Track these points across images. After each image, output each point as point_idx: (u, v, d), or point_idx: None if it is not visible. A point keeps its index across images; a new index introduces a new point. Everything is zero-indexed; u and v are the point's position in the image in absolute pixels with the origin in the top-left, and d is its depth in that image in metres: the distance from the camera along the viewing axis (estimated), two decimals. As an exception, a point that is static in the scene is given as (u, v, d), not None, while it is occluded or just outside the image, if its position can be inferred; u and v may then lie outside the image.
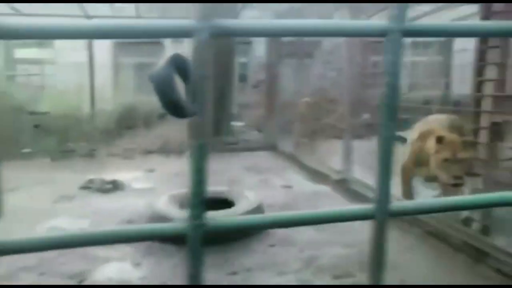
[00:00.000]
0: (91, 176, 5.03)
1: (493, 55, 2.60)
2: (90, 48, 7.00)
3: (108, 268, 2.72)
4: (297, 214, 0.45)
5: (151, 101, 8.73)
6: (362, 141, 5.16)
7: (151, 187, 4.86)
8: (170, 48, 11.09)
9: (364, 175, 4.58)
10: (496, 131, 2.63)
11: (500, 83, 2.59)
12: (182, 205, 3.49)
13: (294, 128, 6.89)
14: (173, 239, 3.03)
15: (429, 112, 7.54)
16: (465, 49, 5.54)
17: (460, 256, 2.82)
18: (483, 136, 2.68)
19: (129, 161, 6.63)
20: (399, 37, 0.40)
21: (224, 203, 3.53)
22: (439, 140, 2.85)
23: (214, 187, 4.34)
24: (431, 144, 3.01)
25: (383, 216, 0.43)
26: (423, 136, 3.27)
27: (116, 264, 2.78)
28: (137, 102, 8.89)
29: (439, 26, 0.44)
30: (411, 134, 3.72)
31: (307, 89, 8.40)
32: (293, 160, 6.49)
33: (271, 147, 7.68)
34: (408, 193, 3.52)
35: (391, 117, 0.41)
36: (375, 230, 0.42)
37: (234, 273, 2.64)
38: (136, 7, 7.37)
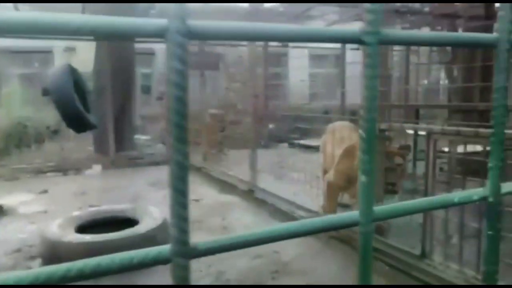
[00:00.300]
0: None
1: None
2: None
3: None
4: (282, 227, 0.42)
5: (43, 116, 7.98)
6: (269, 150, 5.30)
7: (44, 210, 4.39)
8: (61, 57, 10.29)
9: (271, 184, 4.69)
10: (384, 137, 2.87)
11: (384, 93, 2.85)
12: (80, 228, 3.19)
13: (201, 140, 6.82)
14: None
15: (329, 121, 8.05)
16: (356, 62, 6.03)
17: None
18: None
19: (17, 182, 5.93)
20: (374, 45, 0.39)
21: (126, 221, 3.31)
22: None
23: (116, 204, 4.07)
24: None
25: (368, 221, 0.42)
26: (348, 153, 3.20)
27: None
28: (26, 117, 8.06)
29: (412, 34, 0.46)
30: (322, 142, 3.85)
31: (213, 101, 8.41)
32: (201, 172, 6.40)
33: (179, 160, 7.50)
34: (334, 209, 3.51)
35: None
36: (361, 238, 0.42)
37: None
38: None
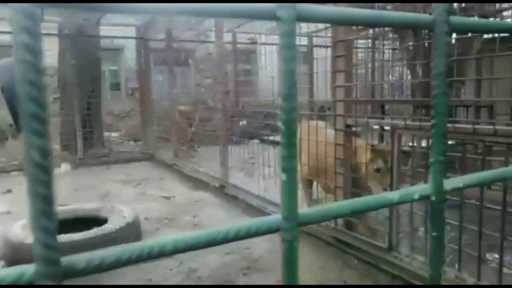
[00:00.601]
0: None
1: (340, 64, 2.91)
2: None
3: None
4: (193, 236, 0.36)
5: (5, 113, 7.68)
6: (240, 147, 5.30)
7: (7, 211, 4.24)
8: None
9: (242, 180, 4.71)
10: (350, 132, 2.94)
11: (348, 89, 2.91)
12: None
13: (171, 137, 6.75)
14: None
15: (299, 117, 8.13)
16: (326, 57, 6.12)
17: (330, 249, 3.07)
18: (340, 138, 2.97)
19: (-21, 183, 5.69)
20: (290, 21, 0.35)
21: (95, 221, 3.26)
22: (373, 150, 2.89)
23: (85, 203, 3.99)
24: (361, 155, 2.95)
25: (292, 226, 0.38)
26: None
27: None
28: (-13, 114, 7.72)
29: (337, 11, 0.40)
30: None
31: (183, 97, 8.34)
32: (172, 169, 6.35)
33: (149, 157, 7.41)
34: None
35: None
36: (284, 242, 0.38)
37: None
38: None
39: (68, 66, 7.14)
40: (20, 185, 5.52)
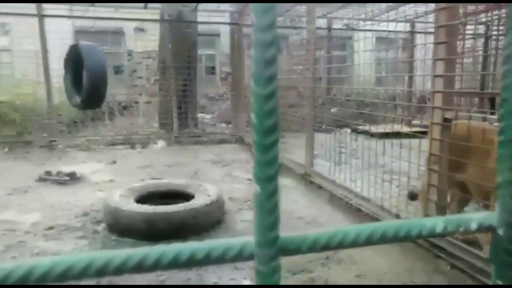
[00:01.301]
0: (49, 168, 4.81)
1: (440, 51, 2.62)
2: (42, 36, 6.63)
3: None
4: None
5: (114, 92, 8.47)
6: (329, 135, 5.16)
7: (111, 180, 4.70)
8: (132, 36, 10.78)
9: (328, 169, 4.60)
10: (448, 127, 2.66)
11: (448, 79, 2.61)
12: (139, 198, 3.38)
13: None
14: (131, 233, 2.93)
15: (395, 108, 7.67)
16: (425, 44, 5.65)
17: (420, 251, 2.86)
18: (436, 132, 2.71)
19: (91, 153, 6.39)
20: None
21: (182, 196, 3.44)
22: None
23: (175, 179, 4.25)
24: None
25: (269, 255, 0.33)
26: None
27: (66, 260, 2.64)
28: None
29: None
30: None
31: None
32: (259, 153, 6.45)
33: (238, 140, 7.62)
34: None
35: None
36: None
37: (189, 269, 2.56)
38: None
39: (167, 50, 7.60)
40: (123, 157, 6.09)
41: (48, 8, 7.01)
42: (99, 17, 7.11)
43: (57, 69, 6.62)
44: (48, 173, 4.57)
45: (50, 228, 3.10)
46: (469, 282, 2.44)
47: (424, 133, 3.64)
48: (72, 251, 2.73)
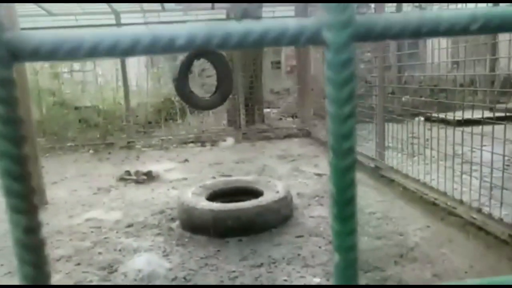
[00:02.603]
0: (128, 168, 5.18)
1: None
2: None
3: (138, 259, 2.78)
4: None
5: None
6: (401, 125, 4.91)
7: (184, 177, 4.93)
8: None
9: (401, 161, 4.39)
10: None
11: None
12: (210, 196, 3.50)
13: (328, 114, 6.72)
14: (203, 230, 3.06)
15: (475, 93, 7.08)
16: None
17: (505, 249, 2.63)
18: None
19: (165, 152, 6.76)
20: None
21: (251, 193, 3.51)
22: None
23: (244, 176, 4.34)
24: None
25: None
26: None
27: (146, 255, 2.83)
28: (172, 93, 9.05)
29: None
30: None
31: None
32: (327, 146, 6.34)
33: (305, 134, 7.57)
34: None
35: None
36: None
37: (260, 266, 2.61)
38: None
39: (234, 48, 7.74)
40: (195, 155, 6.36)
41: (124, 16, 7.52)
42: (170, 21, 7.47)
43: (134, 73, 7.11)
44: (128, 172, 4.92)
45: (130, 225, 3.35)
46: None
47: (510, 118, 3.33)
48: (149, 248, 2.92)
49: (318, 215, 3.43)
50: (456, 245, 2.75)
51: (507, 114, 3.80)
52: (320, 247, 2.83)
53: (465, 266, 2.46)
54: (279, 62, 12.05)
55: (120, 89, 7.63)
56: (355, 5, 0.26)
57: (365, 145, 5.13)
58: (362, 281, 2.36)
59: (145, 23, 8.56)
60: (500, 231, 2.73)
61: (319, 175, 4.75)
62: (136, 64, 9.88)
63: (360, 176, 4.59)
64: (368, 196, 3.90)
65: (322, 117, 7.25)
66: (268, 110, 9.55)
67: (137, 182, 4.74)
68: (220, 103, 5.95)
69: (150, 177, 4.84)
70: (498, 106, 6.65)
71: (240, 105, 7.73)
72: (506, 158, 2.88)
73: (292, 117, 9.45)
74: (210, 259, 2.74)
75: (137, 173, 4.88)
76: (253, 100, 7.92)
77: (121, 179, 4.85)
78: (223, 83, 5.64)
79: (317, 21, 0.27)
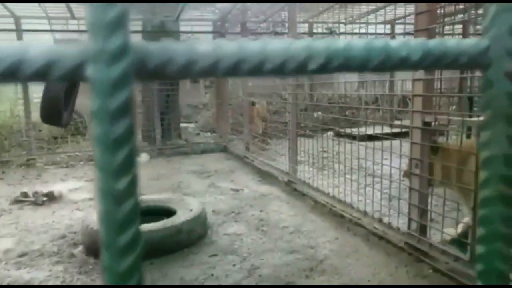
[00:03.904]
0: (26, 189, 4.68)
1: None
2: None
3: (32, 293, 2.49)
4: None
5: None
6: (313, 140, 5.12)
7: (92, 198, 4.58)
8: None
9: (312, 175, 4.56)
10: (428, 131, 2.65)
11: (428, 82, 2.61)
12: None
13: (243, 129, 6.80)
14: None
15: (378, 110, 7.68)
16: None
17: (403, 256, 2.83)
18: (416, 136, 2.69)
19: (71, 170, 6.26)
20: None
21: (164, 212, 3.36)
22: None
23: (157, 194, 4.16)
24: None
25: None
26: None
27: None
28: (80, 106, 8.47)
29: None
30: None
31: (258, 90, 8.35)
32: (243, 161, 6.40)
33: (223, 149, 7.56)
34: None
35: None
36: None
37: (170, 289, 2.49)
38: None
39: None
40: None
41: (27, 22, 6.90)
42: (80, 30, 6.99)
43: (35, 85, 6.50)
44: (24, 194, 4.44)
45: (23, 254, 2.99)
46: (452, 285, 2.41)
47: (406, 133, 3.63)
48: (46, 279, 2.63)
49: (233, 232, 3.40)
50: (361, 254, 2.90)
51: (403, 130, 4.16)
52: (234, 265, 2.79)
53: (369, 275, 2.59)
54: (196, 77, 11.97)
55: (19, 101, 6.92)
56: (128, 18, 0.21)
57: (279, 160, 5.25)
58: (274, 298, 2.37)
59: (51, 30, 7.95)
60: (398, 239, 2.95)
61: (235, 190, 4.74)
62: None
63: (274, 190, 4.68)
64: (282, 210, 3.97)
65: (239, 132, 7.32)
66: (185, 124, 9.39)
67: (36, 204, 4.29)
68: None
69: (51, 198, 4.42)
70: (396, 122, 7.29)
71: (155, 119, 7.48)
72: (402, 171, 3.12)
73: (210, 132, 9.41)
74: None
75: (35, 194, 4.42)
76: (169, 115, 7.73)
77: (16, 201, 4.36)
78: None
79: (77, 50, 0.23)
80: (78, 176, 5.70)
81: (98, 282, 2.59)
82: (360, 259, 2.83)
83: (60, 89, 3.97)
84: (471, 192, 2.40)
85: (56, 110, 3.92)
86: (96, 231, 2.92)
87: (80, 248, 3.07)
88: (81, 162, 6.72)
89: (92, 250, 2.95)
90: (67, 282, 2.60)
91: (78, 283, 2.59)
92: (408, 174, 2.97)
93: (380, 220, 3.19)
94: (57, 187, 4.83)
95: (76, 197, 4.62)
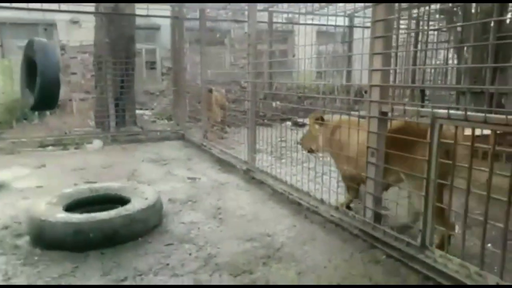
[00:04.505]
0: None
1: (378, 45, 2.66)
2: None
3: (-30, 287, 2.30)
4: None
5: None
6: (271, 129, 5.11)
7: (39, 185, 4.33)
8: (65, 30, 10.10)
9: (270, 164, 4.56)
10: (384, 121, 2.71)
11: (385, 73, 2.66)
12: (69, 206, 3.12)
13: (202, 117, 6.68)
14: (57, 245, 2.69)
15: (334, 101, 7.83)
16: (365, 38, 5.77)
17: (357, 242, 2.89)
18: (373, 125, 2.74)
19: (17, 156, 5.88)
20: None
21: (117, 200, 3.23)
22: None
23: (111, 182, 4.00)
24: None
25: None
26: None
27: (-19, 280, 2.36)
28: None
29: None
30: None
31: (216, 77, 8.23)
32: (201, 150, 6.31)
33: (180, 137, 7.41)
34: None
35: None
36: None
37: (124, 279, 2.39)
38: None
39: (103, 44, 7.18)
40: (55, 159, 5.67)
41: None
42: (27, 8, 6.48)
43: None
44: (-36, 181, 4.12)
45: (-39, 245, 2.77)
46: (403, 270, 2.50)
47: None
48: (-14, 271, 2.45)
49: (189, 221, 3.34)
50: (318, 242, 2.94)
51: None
52: (190, 254, 2.73)
53: (325, 262, 2.63)
54: (154, 63, 11.61)
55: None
56: None
57: (237, 148, 5.22)
58: (232, 284, 2.34)
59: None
60: (353, 226, 3.01)
61: (192, 178, 4.66)
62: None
63: (232, 179, 4.65)
64: (240, 198, 3.95)
65: (197, 120, 7.19)
66: (141, 111, 9.10)
67: (-23, 192, 3.99)
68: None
69: (-6, 186, 4.13)
70: (353, 113, 7.45)
71: (109, 105, 7.18)
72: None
73: (167, 119, 9.19)
74: (65, 278, 2.41)
75: (-24, 181, 4.11)
76: (124, 100, 7.44)
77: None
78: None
79: None
80: (25, 163, 5.36)
81: (44, 274, 2.45)
82: (316, 246, 2.87)
83: (58, 72, 3.73)
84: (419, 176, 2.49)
85: (57, 91, 3.69)
86: (42, 221, 2.75)
87: (26, 239, 2.89)
88: (29, 149, 6.33)
89: (38, 241, 2.78)
90: (9, 275, 2.43)
91: (22, 276, 2.43)
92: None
93: (336, 208, 3.25)
94: (1, 175, 4.51)
95: (22, 185, 4.34)
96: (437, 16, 6.15)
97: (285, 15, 9.74)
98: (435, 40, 6.01)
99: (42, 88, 3.60)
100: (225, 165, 5.28)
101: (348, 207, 3.39)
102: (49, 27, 10.09)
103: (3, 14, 8.35)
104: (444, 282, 2.27)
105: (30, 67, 3.81)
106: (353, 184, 3.37)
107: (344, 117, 3.53)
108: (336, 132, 3.39)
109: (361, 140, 2.97)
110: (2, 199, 3.85)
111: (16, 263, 2.56)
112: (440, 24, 5.68)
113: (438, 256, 2.36)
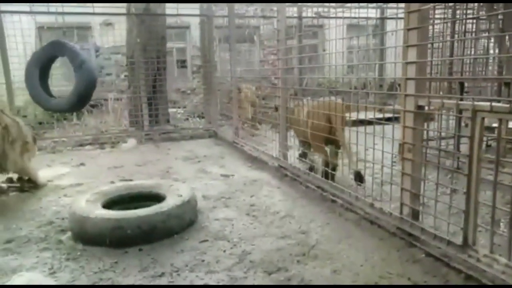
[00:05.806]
0: (10, 175, 4.56)
1: (412, 37, 2.57)
2: (1, 33, 6.31)
3: (18, 280, 2.41)
4: None
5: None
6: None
7: (79, 183, 4.50)
8: (100, 32, 10.40)
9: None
10: (421, 114, 2.62)
11: (421, 66, 2.57)
12: (106, 203, 3.22)
13: (234, 115, 6.72)
14: (98, 241, 2.79)
15: (367, 95, 7.68)
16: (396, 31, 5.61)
17: (395, 240, 2.83)
18: (409, 120, 2.67)
19: (58, 155, 6.13)
20: None
21: (153, 198, 3.31)
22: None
23: (146, 179, 4.09)
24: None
25: None
26: None
27: (28, 274, 2.48)
28: (66, 91, 8.27)
29: None
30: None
31: (247, 74, 8.24)
32: (233, 147, 6.35)
33: (212, 134, 7.49)
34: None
35: None
36: None
37: (161, 275, 2.45)
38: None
39: (135, 45, 7.35)
40: (92, 158, 5.87)
41: (7, 3, 6.63)
42: (63, 12, 6.73)
43: (18, 69, 6.30)
44: (9, 180, 4.33)
45: (9, 241, 2.91)
46: (444, 270, 2.42)
47: (396, 119, 3.62)
48: (33, 265, 2.57)
49: (223, 217, 3.37)
50: (353, 239, 2.89)
51: (394, 115, 4.14)
52: (224, 251, 2.75)
53: (361, 260, 2.59)
54: (185, 61, 11.77)
55: (1, 86, 6.71)
56: None
57: (269, 145, 5.21)
58: (267, 283, 2.35)
59: (32, 12, 7.69)
60: (390, 224, 2.95)
61: (225, 176, 4.70)
62: (23, 58, 8.83)
63: (264, 176, 4.65)
64: (272, 195, 3.95)
65: (228, 117, 7.24)
66: (173, 110, 9.26)
67: (22, 190, 4.19)
68: (79, 105, 5.15)
69: (36, 184, 4.32)
70: (387, 107, 7.28)
71: (142, 104, 7.35)
72: (394, 155, 3.11)
73: (199, 117, 9.30)
74: (105, 273, 2.49)
75: (20, 180, 4.31)
76: (157, 99, 7.59)
77: (1, 188, 4.25)
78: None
79: None
80: (65, 162, 5.58)
81: (86, 268, 2.54)
82: (352, 244, 2.83)
83: (96, 77, 4.10)
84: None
85: (91, 94, 4.03)
86: (84, 217, 2.85)
87: (68, 234, 3.01)
88: (68, 148, 6.59)
89: (80, 236, 2.89)
90: (55, 269, 2.54)
91: (66, 270, 2.53)
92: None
93: (371, 205, 3.19)
94: (44, 173, 4.72)
95: (63, 183, 4.52)
96: (475, 4, 5.89)
97: (314, 9, 9.62)
98: (474, 30, 5.75)
99: (81, 94, 3.75)
100: (257, 162, 5.30)
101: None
102: (84, 30, 10.42)
103: (40, 19, 8.70)
104: (489, 283, 2.19)
105: (46, 70, 4.02)
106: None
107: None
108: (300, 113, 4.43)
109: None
110: (45, 197, 4.03)
111: (61, 258, 2.67)
112: (481, 12, 5.42)
113: (482, 256, 2.27)
